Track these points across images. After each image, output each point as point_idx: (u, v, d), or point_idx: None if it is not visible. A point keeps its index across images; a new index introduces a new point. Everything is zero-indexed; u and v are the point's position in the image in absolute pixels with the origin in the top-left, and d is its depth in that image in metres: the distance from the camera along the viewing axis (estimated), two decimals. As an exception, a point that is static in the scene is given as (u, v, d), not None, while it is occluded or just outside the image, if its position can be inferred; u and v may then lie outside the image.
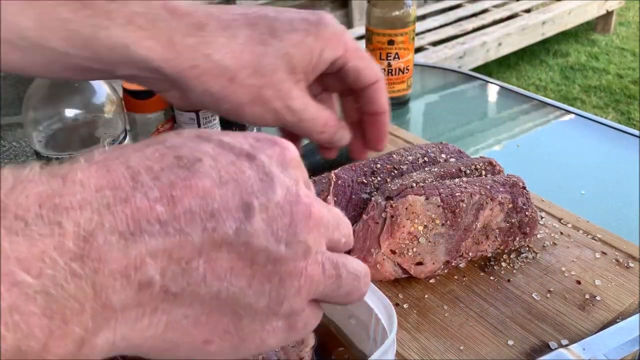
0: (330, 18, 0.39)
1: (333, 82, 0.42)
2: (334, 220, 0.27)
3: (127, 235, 0.20)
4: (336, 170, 0.55)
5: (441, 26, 3.04)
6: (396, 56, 0.84)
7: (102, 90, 0.55)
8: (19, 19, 0.34)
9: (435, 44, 2.83)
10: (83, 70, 0.37)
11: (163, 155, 0.23)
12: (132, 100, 0.65)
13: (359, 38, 2.80)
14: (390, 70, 0.85)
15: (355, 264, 0.28)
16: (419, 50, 2.72)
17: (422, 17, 3.13)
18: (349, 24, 3.03)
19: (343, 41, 0.38)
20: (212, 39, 0.35)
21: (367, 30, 0.85)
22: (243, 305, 0.23)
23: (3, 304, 0.18)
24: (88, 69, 0.36)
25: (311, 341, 0.40)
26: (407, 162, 0.58)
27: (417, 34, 2.78)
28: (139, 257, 0.20)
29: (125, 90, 0.65)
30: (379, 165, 0.57)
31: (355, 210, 0.53)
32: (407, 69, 0.86)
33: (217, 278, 0.22)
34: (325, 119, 0.40)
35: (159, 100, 0.66)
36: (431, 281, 0.51)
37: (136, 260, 0.20)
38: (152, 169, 0.22)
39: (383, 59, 0.84)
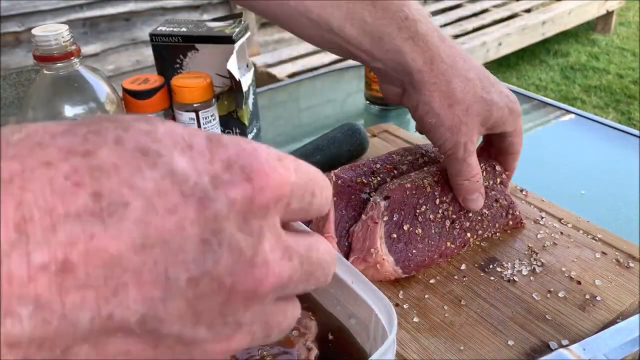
0: (519, 108, 0.53)
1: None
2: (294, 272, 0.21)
3: None
4: (336, 170, 0.55)
5: (441, 26, 3.05)
6: (396, 56, 0.84)
7: (102, 90, 0.55)
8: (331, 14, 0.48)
9: (435, 44, 2.83)
10: (349, 53, 0.50)
11: (78, 185, 0.16)
12: (132, 100, 0.65)
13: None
14: (390, 70, 0.85)
15: (321, 254, 0.22)
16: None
17: (422, 17, 3.13)
18: (349, 24, 3.03)
19: (518, 124, 0.53)
20: (457, 72, 0.48)
21: (367, 30, 0.85)
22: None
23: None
24: (355, 55, 0.50)
25: (314, 329, 0.40)
26: (407, 162, 0.58)
27: (417, 34, 2.78)
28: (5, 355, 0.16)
29: (125, 90, 0.65)
30: (378, 165, 0.57)
31: (355, 210, 0.53)
32: (407, 69, 0.86)
33: None
34: (477, 172, 0.51)
35: (159, 100, 0.66)
36: (431, 281, 0.51)
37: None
38: (52, 213, 0.16)
39: (383, 59, 0.84)
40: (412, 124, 0.89)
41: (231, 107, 0.75)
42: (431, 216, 0.52)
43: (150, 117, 0.19)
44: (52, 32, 0.53)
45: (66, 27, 0.54)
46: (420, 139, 0.76)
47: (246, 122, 0.76)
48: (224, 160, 0.18)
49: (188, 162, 0.18)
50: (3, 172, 0.16)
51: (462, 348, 0.45)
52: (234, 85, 0.72)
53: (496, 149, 0.57)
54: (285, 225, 0.21)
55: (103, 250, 0.16)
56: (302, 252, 0.21)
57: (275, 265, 0.19)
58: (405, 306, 0.49)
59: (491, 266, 0.53)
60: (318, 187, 0.21)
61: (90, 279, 0.16)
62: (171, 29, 0.71)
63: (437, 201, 0.53)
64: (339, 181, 0.54)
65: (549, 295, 0.49)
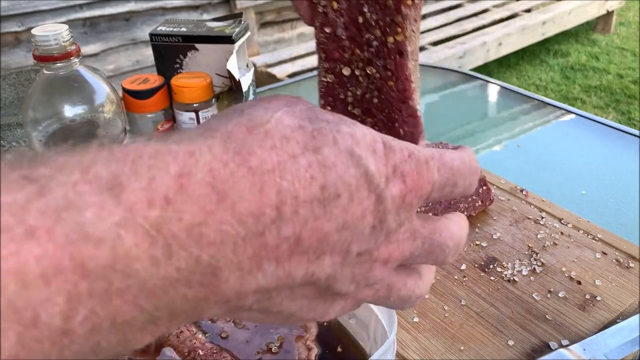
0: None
1: None
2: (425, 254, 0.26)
3: (245, 269, 0.20)
4: None
5: (441, 26, 3.05)
6: (396, 56, 0.84)
7: (102, 90, 0.55)
8: None
9: (435, 44, 2.83)
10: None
11: (313, 178, 0.21)
12: (132, 100, 0.65)
13: (359, 38, 2.80)
14: (390, 70, 0.85)
15: (411, 282, 0.27)
16: (419, 50, 2.72)
17: (422, 17, 3.12)
18: (349, 24, 3.02)
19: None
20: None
21: (367, 30, 0.85)
22: (294, 318, 0.25)
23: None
24: None
25: (314, 330, 0.40)
26: None
27: (417, 34, 2.78)
28: (245, 293, 0.21)
29: (125, 90, 0.65)
30: None
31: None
32: (407, 69, 0.86)
33: (291, 300, 0.23)
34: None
35: (159, 100, 0.66)
36: (431, 281, 0.51)
37: (240, 294, 0.21)
38: (297, 199, 0.21)
39: (383, 59, 0.84)
40: (412, 124, 0.89)
41: (231, 107, 0.75)
42: None
43: (349, 120, 0.24)
44: (52, 32, 0.53)
45: (66, 27, 0.54)
46: (420, 139, 0.76)
47: (246, 122, 0.76)
48: (393, 164, 0.23)
49: (374, 165, 0.23)
50: (266, 164, 0.21)
51: (462, 348, 0.45)
52: (234, 85, 0.72)
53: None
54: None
55: (320, 229, 0.21)
56: (426, 234, 0.26)
57: (402, 244, 0.25)
58: (405, 306, 0.49)
59: (491, 266, 0.53)
60: (461, 178, 0.26)
61: (309, 249, 0.21)
62: (171, 28, 0.71)
63: None
64: None
65: (549, 295, 0.49)
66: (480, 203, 0.59)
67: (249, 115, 0.23)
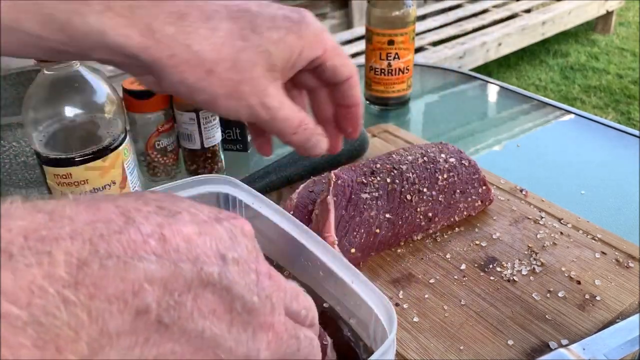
0: (311, 17, 0.38)
1: (305, 78, 0.42)
2: (293, 290, 0.28)
3: (125, 259, 0.20)
4: (336, 171, 0.55)
5: (441, 26, 3.04)
6: (396, 56, 0.84)
7: (102, 90, 0.55)
8: None
9: (435, 44, 2.83)
10: (58, 52, 0.36)
11: (146, 202, 0.24)
12: (132, 100, 0.65)
13: (359, 38, 2.80)
14: (390, 70, 0.85)
15: (308, 331, 0.29)
16: (419, 50, 2.72)
17: (422, 17, 3.13)
18: (348, 24, 3.03)
19: (323, 41, 0.38)
20: (193, 29, 0.34)
21: (367, 30, 0.85)
22: (224, 349, 0.24)
23: None
24: (63, 52, 0.35)
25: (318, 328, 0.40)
26: (406, 162, 0.58)
27: (417, 34, 2.78)
28: (137, 282, 0.20)
29: (125, 90, 0.65)
30: (378, 165, 0.57)
31: (355, 211, 0.53)
32: (407, 69, 0.86)
33: (202, 317, 0.23)
34: (300, 120, 0.39)
35: (159, 101, 0.66)
36: (431, 281, 0.51)
37: (134, 285, 0.20)
38: (140, 210, 0.23)
39: (383, 59, 0.84)
40: (412, 124, 0.90)
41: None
42: (377, 198, 0.55)
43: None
44: (53, 32, 0.53)
45: (66, 27, 0.54)
46: (420, 139, 0.76)
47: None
48: (217, 210, 0.27)
49: (196, 209, 0.26)
50: (96, 197, 0.23)
51: (462, 348, 0.45)
52: (234, 85, 0.72)
53: (335, 94, 0.43)
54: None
55: (180, 231, 0.23)
56: (292, 323, 0.28)
57: (273, 272, 0.27)
58: (405, 306, 0.49)
59: (491, 266, 0.53)
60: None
61: (179, 247, 0.23)
62: (171, 29, 0.71)
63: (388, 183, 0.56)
64: (339, 181, 0.54)
65: (548, 295, 0.49)
66: (480, 203, 0.60)
67: None
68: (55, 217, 0.20)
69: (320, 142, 0.42)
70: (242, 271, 0.25)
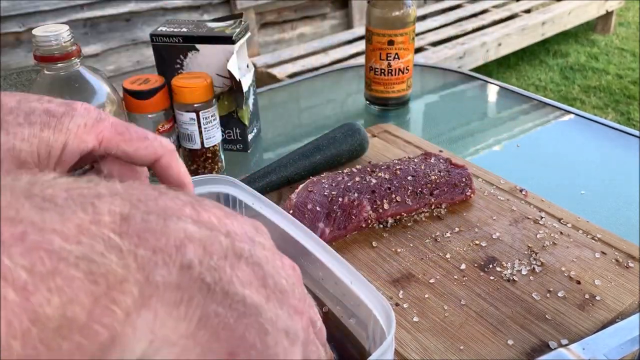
0: (82, 108, 0.34)
1: (118, 162, 0.37)
2: (310, 299, 0.28)
3: (165, 216, 0.21)
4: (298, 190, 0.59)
5: (441, 26, 3.05)
6: (396, 56, 0.84)
7: (102, 90, 0.55)
8: None
9: (435, 44, 2.83)
10: None
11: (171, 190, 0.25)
12: (132, 100, 0.65)
13: (359, 38, 2.80)
14: (390, 71, 0.85)
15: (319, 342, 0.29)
16: (419, 50, 2.72)
17: (422, 17, 3.13)
18: (348, 24, 3.03)
19: (95, 132, 0.34)
20: None
21: (367, 30, 0.85)
22: (267, 319, 0.23)
23: (43, 269, 0.18)
24: None
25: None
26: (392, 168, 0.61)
27: (417, 34, 2.79)
28: (178, 238, 0.21)
29: (125, 90, 0.65)
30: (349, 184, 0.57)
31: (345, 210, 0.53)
32: (407, 69, 0.86)
33: (242, 284, 0.23)
34: (145, 139, 0.35)
35: (160, 101, 0.66)
36: (431, 281, 0.51)
37: (176, 240, 0.21)
38: (169, 191, 0.24)
39: (383, 59, 0.84)
40: (412, 124, 0.90)
41: (231, 107, 0.75)
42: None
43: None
44: (53, 32, 0.53)
45: (67, 27, 0.54)
46: (420, 139, 0.76)
47: (246, 122, 0.76)
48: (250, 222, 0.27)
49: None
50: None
51: (462, 348, 0.45)
52: (234, 86, 0.72)
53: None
54: None
55: (212, 209, 0.24)
56: None
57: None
58: (405, 306, 0.49)
59: (491, 266, 0.53)
60: None
61: (213, 220, 0.24)
62: (172, 29, 0.72)
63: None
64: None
65: (548, 295, 0.49)
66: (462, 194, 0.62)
67: None
68: (94, 183, 0.21)
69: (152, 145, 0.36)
70: (270, 255, 0.25)
